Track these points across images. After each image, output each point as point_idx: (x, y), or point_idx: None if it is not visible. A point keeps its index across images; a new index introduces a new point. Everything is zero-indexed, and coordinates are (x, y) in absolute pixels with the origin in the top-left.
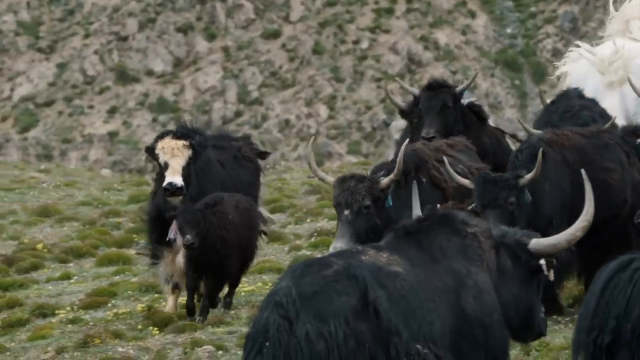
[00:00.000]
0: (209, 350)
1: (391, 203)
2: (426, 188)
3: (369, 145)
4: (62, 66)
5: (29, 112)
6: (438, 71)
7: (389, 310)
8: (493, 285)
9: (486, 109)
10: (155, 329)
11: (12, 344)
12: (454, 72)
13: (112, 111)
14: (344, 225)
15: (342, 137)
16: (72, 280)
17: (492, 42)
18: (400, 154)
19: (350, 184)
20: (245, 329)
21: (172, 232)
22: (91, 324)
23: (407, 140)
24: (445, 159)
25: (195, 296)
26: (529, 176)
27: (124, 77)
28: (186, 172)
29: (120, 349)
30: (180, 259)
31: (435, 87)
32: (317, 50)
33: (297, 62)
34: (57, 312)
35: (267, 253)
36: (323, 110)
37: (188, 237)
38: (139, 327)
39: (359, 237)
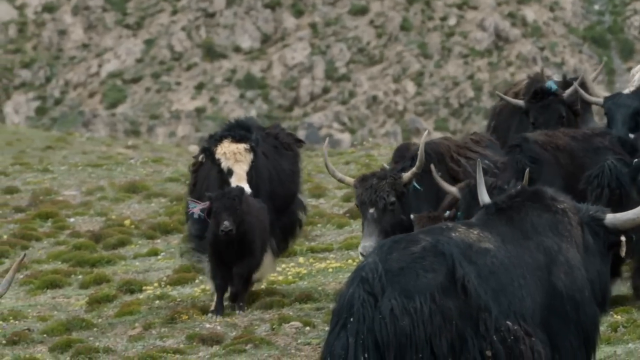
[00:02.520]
0: (296, 327)
1: (419, 187)
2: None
3: (456, 121)
4: (149, 42)
5: (116, 89)
6: (526, 48)
7: (479, 287)
8: (582, 261)
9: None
10: None
11: (100, 320)
12: (542, 49)
13: (200, 87)
14: (370, 224)
15: (430, 113)
16: (159, 257)
17: (580, 18)
18: (422, 147)
19: (372, 181)
20: (332, 306)
21: (197, 208)
22: (178, 300)
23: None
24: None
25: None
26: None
27: (212, 53)
28: (250, 177)
29: (207, 325)
30: None
31: (544, 96)
32: (404, 27)
33: (385, 38)
34: (144, 288)
35: (355, 229)
36: (410, 87)
37: (226, 223)
38: (226, 303)
39: (387, 235)
